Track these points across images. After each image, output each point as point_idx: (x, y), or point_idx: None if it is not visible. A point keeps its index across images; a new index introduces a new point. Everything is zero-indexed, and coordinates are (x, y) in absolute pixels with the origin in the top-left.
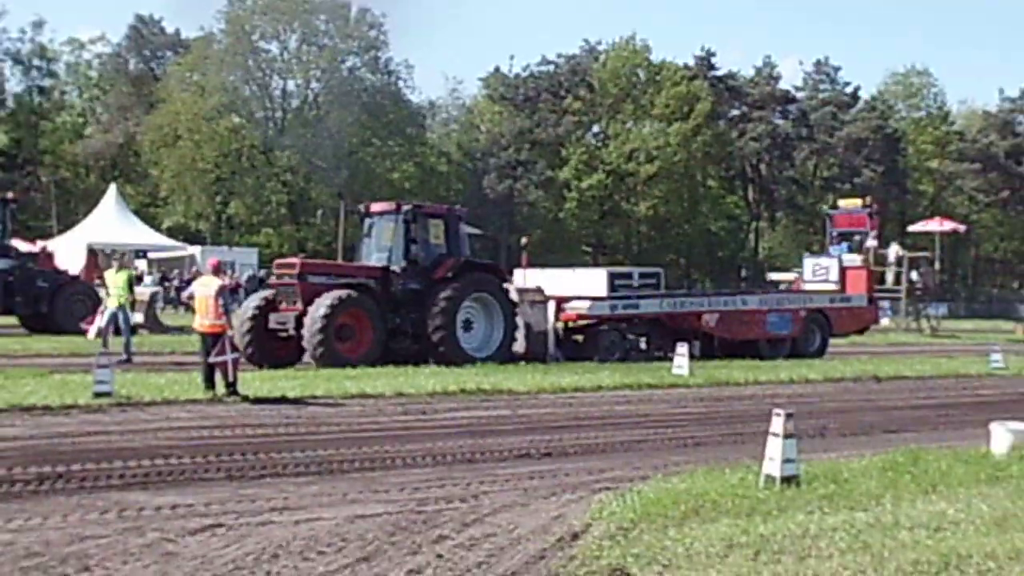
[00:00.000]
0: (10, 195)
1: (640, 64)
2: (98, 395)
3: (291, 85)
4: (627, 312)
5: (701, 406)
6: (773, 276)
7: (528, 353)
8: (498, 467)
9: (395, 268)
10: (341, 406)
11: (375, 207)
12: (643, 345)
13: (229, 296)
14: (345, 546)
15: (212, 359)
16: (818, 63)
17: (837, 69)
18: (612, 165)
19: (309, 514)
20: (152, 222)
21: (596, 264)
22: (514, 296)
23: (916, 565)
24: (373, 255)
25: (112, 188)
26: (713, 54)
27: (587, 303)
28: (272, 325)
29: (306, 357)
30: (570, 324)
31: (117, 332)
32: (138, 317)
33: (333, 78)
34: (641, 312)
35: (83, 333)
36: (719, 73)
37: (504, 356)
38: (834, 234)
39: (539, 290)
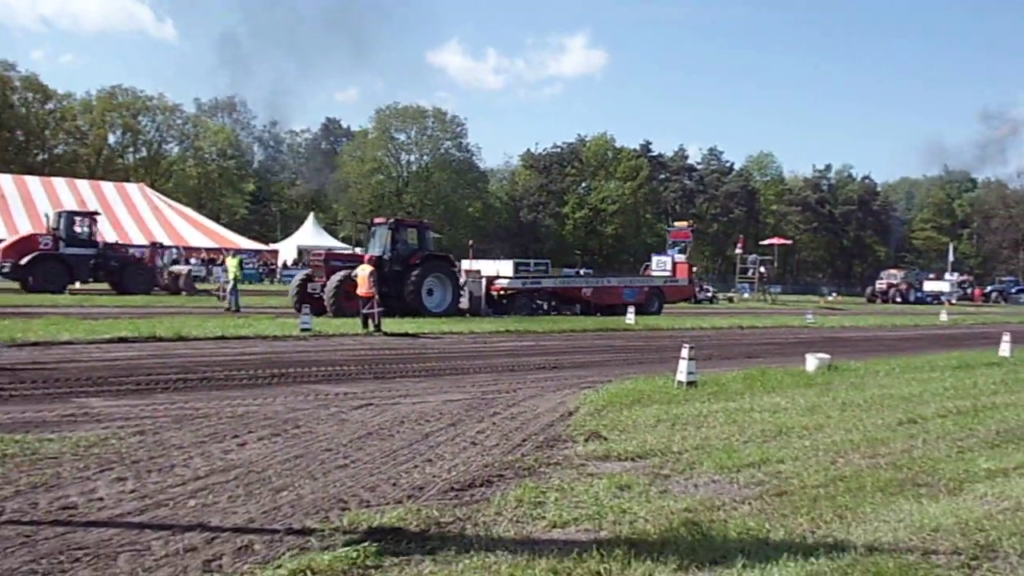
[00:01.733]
0: (95, 211)
1: (608, 148)
2: (303, 330)
3: (411, 157)
4: (533, 286)
5: (641, 342)
6: None
7: (471, 310)
8: (527, 374)
9: (385, 257)
10: (439, 338)
11: (376, 220)
12: (546, 307)
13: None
14: (441, 417)
15: (365, 311)
16: (710, 149)
17: (721, 152)
18: (592, 205)
19: (421, 399)
20: (333, 234)
21: (583, 264)
22: (463, 275)
23: (763, 432)
24: (375, 249)
25: (311, 215)
26: (651, 143)
27: (507, 280)
28: (309, 290)
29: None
30: (498, 293)
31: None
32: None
33: (435, 154)
34: (543, 286)
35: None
36: (653, 154)
37: (452, 311)
38: (670, 242)
39: (478, 271)
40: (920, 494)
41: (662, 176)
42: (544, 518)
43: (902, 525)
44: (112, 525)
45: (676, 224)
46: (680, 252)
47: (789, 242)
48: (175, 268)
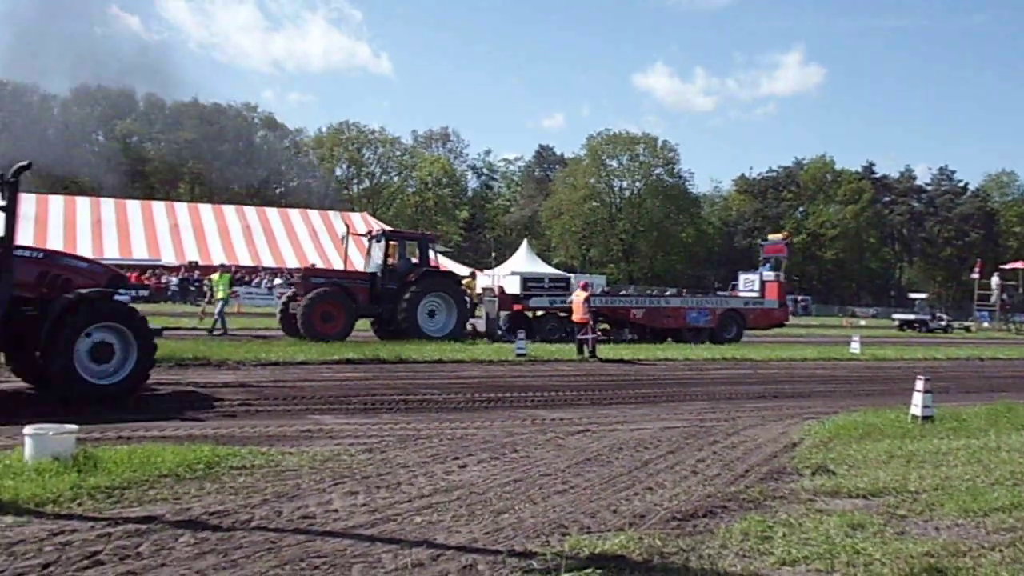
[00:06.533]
0: None
1: (828, 171)
2: (519, 355)
3: (624, 184)
4: (565, 305)
5: (868, 372)
6: (912, 296)
7: (487, 332)
8: (745, 403)
9: (379, 273)
10: (653, 365)
11: (373, 233)
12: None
13: (591, 302)
14: (660, 444)
15: (580, 337)
16: (941, 168)
17: (953, 172)
18: (810, 230)
19: (638, 426)
20: (546, 260)
21: (802, 290)
22: (479, 292)
23: (1012, 474)
24: (370, 265)
25: (524, 242)
26: (873, 164)
27: (529, 299)
28: (291, 311)
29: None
30: (532, 313)
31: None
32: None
33: (647, 180)
34: None
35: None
36: (877, 175)
37: (456, 335)
38: (762, 258)
39: (497, 288)
40: None
41: (887, 199)
42: (772, 554)
43: None
44: (346, 536)
45: (771, 237)
46: (771, 269)
47: None
48: None
